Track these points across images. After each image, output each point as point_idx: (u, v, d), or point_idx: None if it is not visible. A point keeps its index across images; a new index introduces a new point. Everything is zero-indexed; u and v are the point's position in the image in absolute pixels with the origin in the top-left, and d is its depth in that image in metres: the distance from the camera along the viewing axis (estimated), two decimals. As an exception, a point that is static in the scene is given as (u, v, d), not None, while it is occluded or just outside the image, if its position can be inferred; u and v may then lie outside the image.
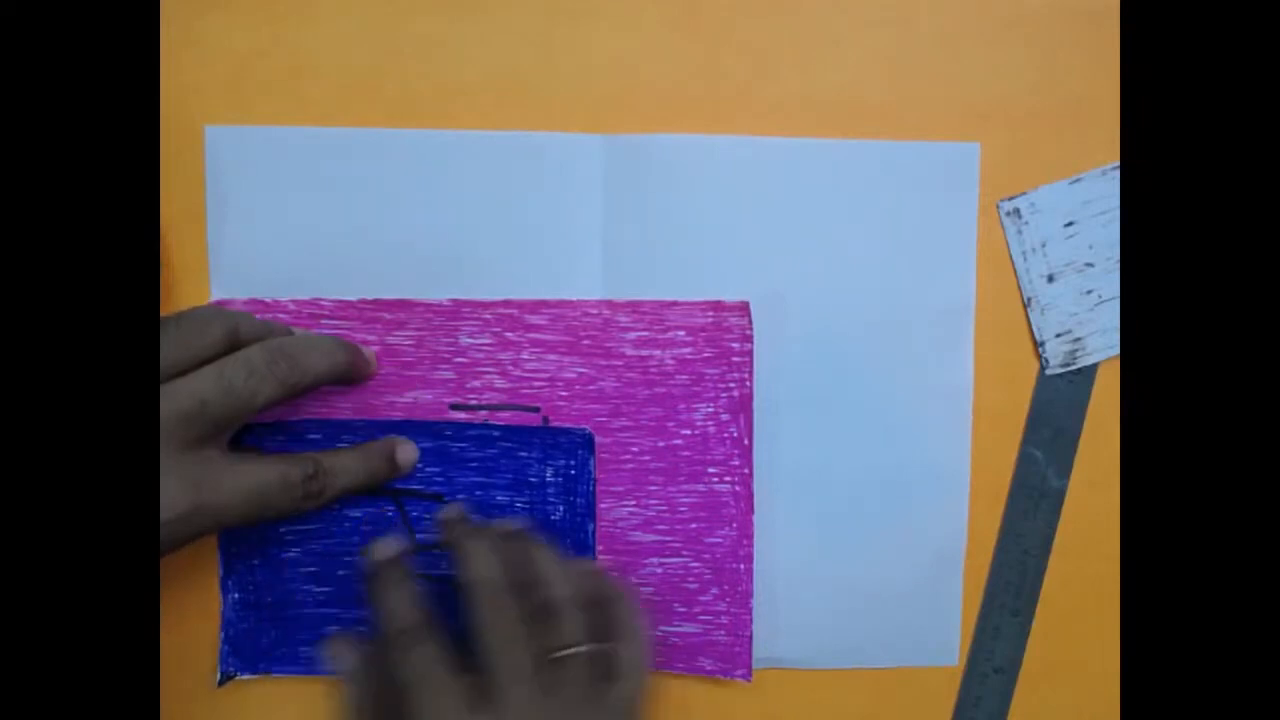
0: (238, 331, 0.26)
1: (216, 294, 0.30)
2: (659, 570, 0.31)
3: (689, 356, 0.30)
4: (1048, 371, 0.30)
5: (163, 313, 0.30)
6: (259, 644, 0.30)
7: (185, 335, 0.25)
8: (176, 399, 0.24)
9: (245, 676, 0.31)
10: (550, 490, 0.31)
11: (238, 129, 0.29)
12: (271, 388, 0.25)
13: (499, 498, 0.30)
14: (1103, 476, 0.31)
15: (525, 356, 0.30)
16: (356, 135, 0.30)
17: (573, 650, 0.26)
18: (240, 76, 0.29)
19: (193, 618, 0.30)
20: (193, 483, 0.24)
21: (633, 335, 0.30)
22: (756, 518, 0.31)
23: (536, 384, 0.30)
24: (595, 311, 0.30)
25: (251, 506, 0.25)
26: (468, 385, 0.30)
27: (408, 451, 0.30)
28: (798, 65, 0.30)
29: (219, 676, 0.30)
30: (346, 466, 0.28)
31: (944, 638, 0.32)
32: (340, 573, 0.30)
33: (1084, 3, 0.30)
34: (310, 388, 0.27)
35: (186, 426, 0.24)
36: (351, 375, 0.29)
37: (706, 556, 0.31)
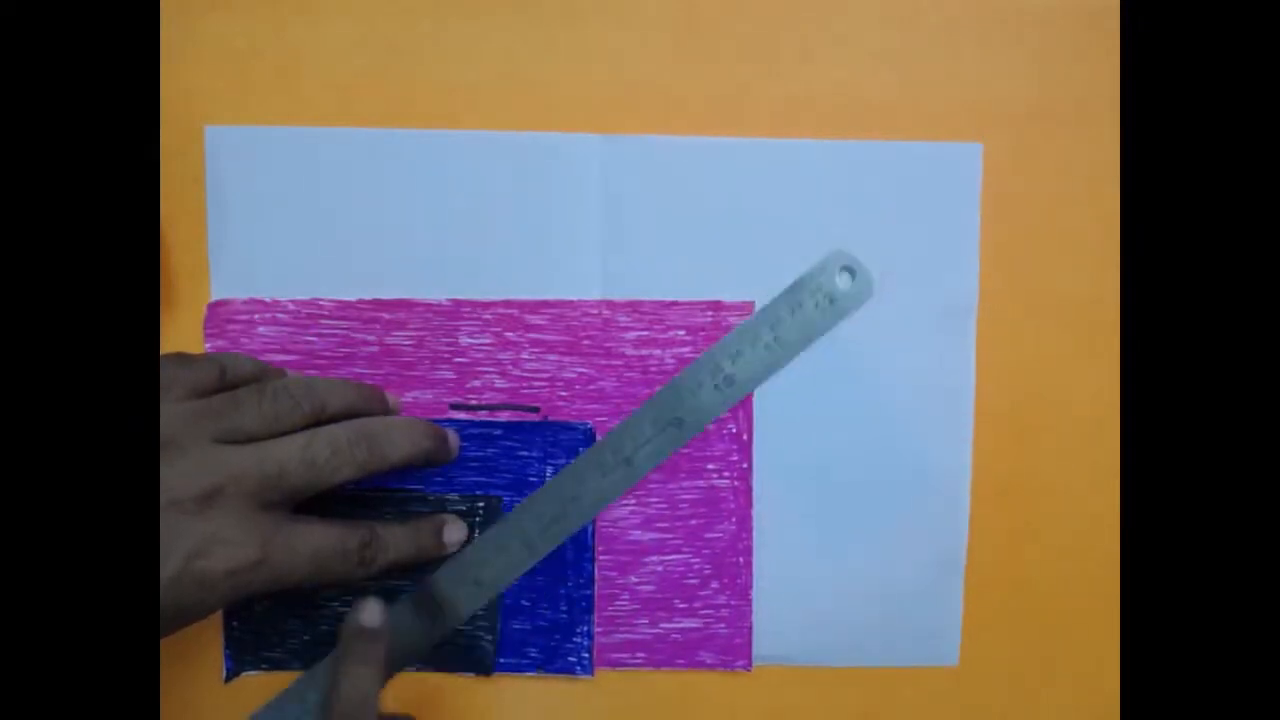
0: (225, 373, 0.26)
1: (217, 294, 0.30)
2: (659, 568, 0.31)
3: (689, 356, 0.30)
4: None
5: (162, 312, 0.30)
6: (261, 642, 0.31)
7: (195, 374, 0.26)
8: (262, 462, 0.25)
9: (251, 673, 0.31)
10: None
11: (238, 129, 0.29)
12: (350, 470, 0.26)
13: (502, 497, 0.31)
14: (1103, 477, 0.31)
15: (525, 356, 0.30)
16: (356, 135, 0.30)
17: None
18: (240, 76, 0.29)
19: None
20: (262, 539, 0.25)
21: (633, 335, 0.30)
22: (756, 517, 0.31)
23: (536, 384, 0.30)
24: (595, 311, 0.30)
25: (311, 569, 0.26)
26: (468, 385, 0.30)
27: (455, 531, 0.29)
28: (798, 65, 0.30)
29: (224, 673, 0.31)
30: (398, 541, 0.28)
31: (944, 638, 0.32)
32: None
33: (1084, 2, 0.30)
34: (386, 471, 0.27)
35: (264, 489, 0.25)
36: (433, 460, 0.29)
37: (706, 552, 0.31)
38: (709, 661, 0.31)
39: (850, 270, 0.30)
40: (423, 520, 0.29)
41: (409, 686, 0.31)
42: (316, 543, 0.26)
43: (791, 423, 0.31)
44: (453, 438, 0.30)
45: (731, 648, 0.31)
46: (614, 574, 0.31)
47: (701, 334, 0.30)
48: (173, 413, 0.24)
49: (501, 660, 0.31)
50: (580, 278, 0.30)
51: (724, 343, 0.30)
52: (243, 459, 0.24)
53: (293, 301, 0.30)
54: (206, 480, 0.24)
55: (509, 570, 0.30)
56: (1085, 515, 0.31)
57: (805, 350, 0.30)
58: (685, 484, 0.31)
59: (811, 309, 0.29)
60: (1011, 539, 0.31)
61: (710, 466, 0.31)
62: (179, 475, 0.24)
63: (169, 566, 0.23)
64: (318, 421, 0.27)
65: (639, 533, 0.31)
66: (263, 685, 0.31)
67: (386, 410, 0.29)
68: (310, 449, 0.25)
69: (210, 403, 0.25)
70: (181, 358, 0.26)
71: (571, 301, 0.30)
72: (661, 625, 0.31)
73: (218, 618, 0.31)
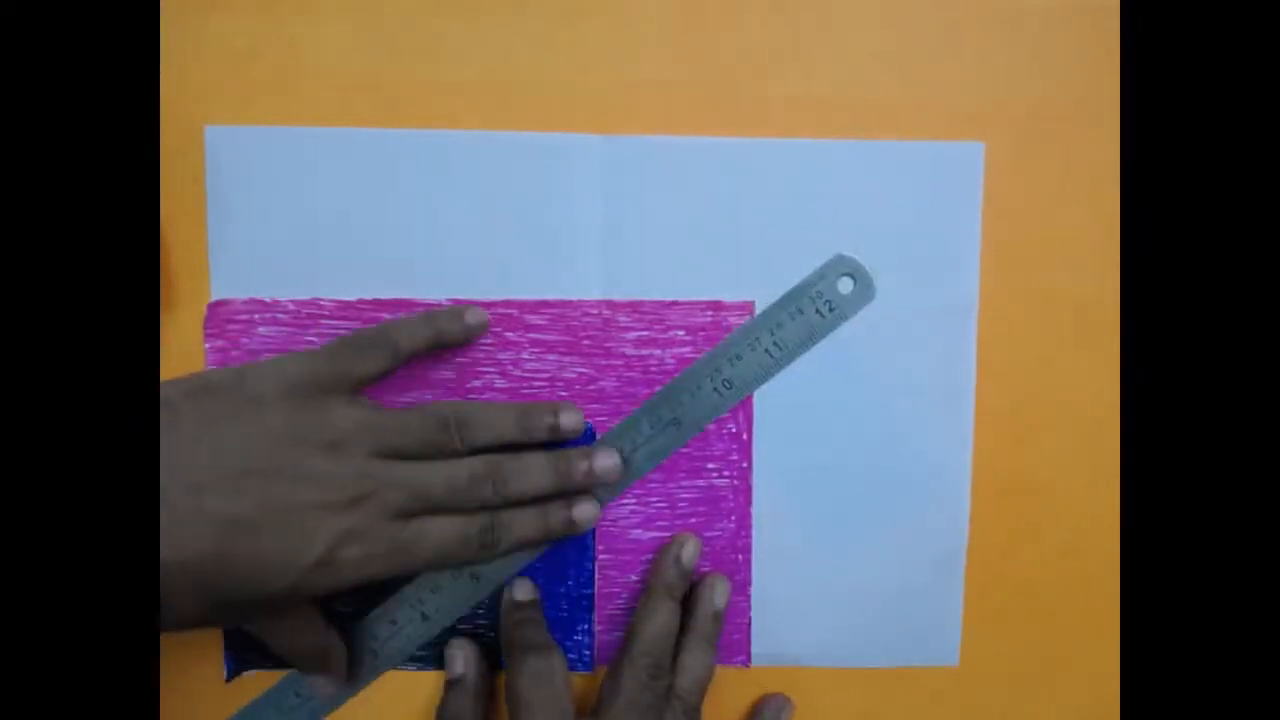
0: (397, 355, 0.28)
1: (217, 294, 0.30)
2: (659, 569, 0.31)
3: (689, 356, 0.30)
4: None
5: (162, 312, 0.30)
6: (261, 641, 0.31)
7: (366, 366, 0.27)
8: (412, 482, 0.27)
9: (252, 672, 0.31)
10: (550, 490, 0.31)
11: (238, 129, 0.29)
12: (479, 503, 0.28)
13: None
14: (1103, 476, 0.31)
15: (525, 356, 0.30)
16: (356, 135, 0.30)
17: None
18: (240, 76, 0.29)
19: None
20: (391, 539, 0.26)
21: (633, 335, 0.30)
22: (757, 517, 0.31)
23: (536, 384, 0.30)
24: (595, 311, 0.30)
25: (435, 559, 0.27)
26: (468, 385, 0.30)
27: (586, 509, 0.29)
28: (798, 65, 0.30)
29: (225, 673, 0.31)
30: (522, 521, 0.28)
31: (944, 638, 0.32)
32: None
33: (1084, 2, 0.30)
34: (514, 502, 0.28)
35: (408, 503, 0.27)
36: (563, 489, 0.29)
37: (706, 549, 0.31)
38: (709, 659, 0.31)
39: (852, 276, 0.30)
40: (552, 505, 0.29)
41: (410, 686, 0.31)
42: (439, 535, 0.27)
43: (791, 422, 0.31)
44: (601, 459, 0.29)
45: (731, 644, 0.31)
46: (614, 573, 0.31)
47: (701, 334, 0.30)
48: (346, 416, 0.26)
49: (504, 658, 0.31)
50: (580, 278, 0.30)
51: (723, 345, 0.30)
52: (397, 476, 0.26)
53: (293, 301, 0.30)
54: (360, 488, 0.26)
55: (506, 566, 0.30)
56: (1085, 515, 0.31)
57: (805, 352, 0.30)
58: (685, 483, 0.31)
59: (812, 314, 0.30)
60: (1011, 539, 0.31)
61: (710, 466, 0.31)
62: (340, 474, 0.26)
63: (311, 554, 0.25)
64: (470, 450, 0.28)
65: (639, 532, 0.31)
66: (263, 684, 0.31)
67: (553, 427, 0.29)
68: (454, 479, 0.27)
69: (382, 418, 0.27)
70: (357, 343, 0.27)
71: (571, 301, 0.30)
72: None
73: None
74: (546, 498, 0.29)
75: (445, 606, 0.30)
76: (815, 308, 0.30)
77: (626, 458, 0.30)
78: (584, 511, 0.29)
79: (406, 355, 0.28)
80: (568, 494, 0.29)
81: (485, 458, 0.28)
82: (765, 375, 0.30)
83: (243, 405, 0.25)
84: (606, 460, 0.29)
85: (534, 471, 0.28)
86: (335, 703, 0.30)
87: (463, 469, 0.27)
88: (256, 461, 0.25)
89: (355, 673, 0.30)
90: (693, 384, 0.30)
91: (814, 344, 0.30)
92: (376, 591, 0.30)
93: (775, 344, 0.29)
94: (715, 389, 0.30)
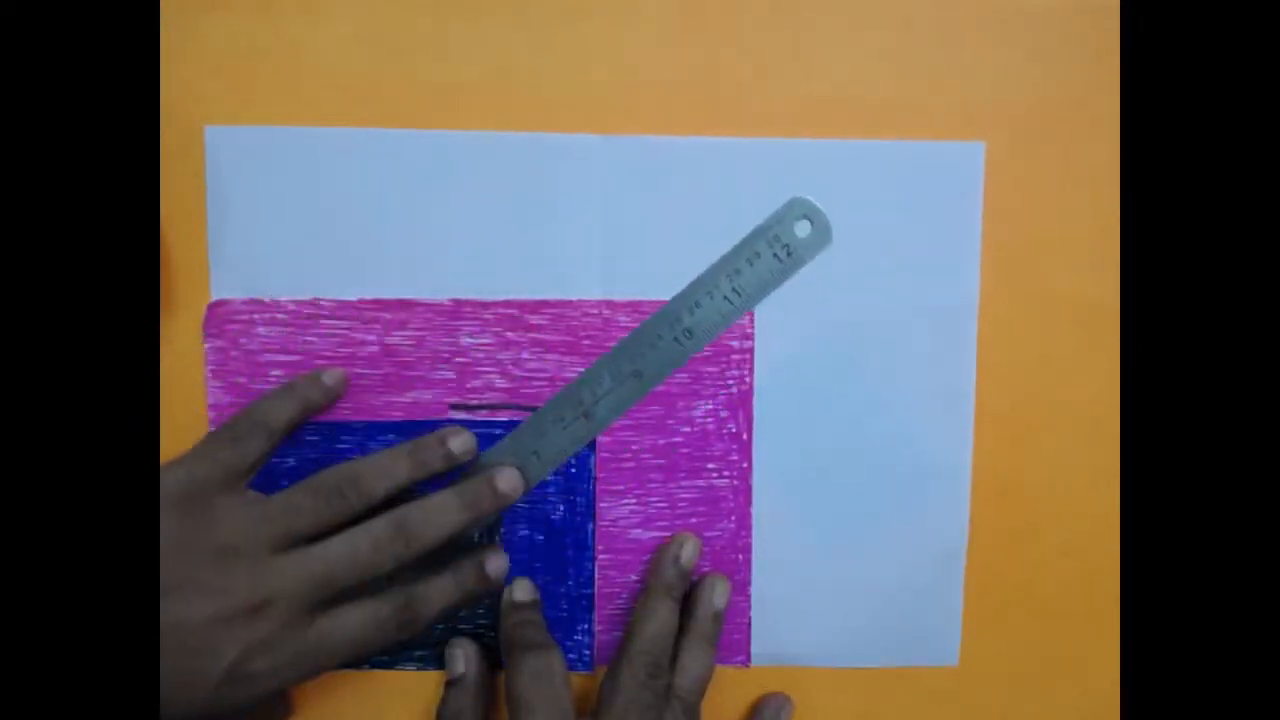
0: (271, 437, 0.28)
1: (217, 294, 0.30)
2: (659, 569, 0.31)
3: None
4: None
5: (162, 312, 0.30)
6: None
7: (240, 452, 0.27)
8: (312, 572, 0.26)
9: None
10: (550, 490, 0.31)
11: (238, 129, 0.29)
12: (391, 561, 0.27)
13: None
14: (1103, 477, 0.31)
15: (525, 356, 0.30)
16: (356, 135, 0.30)
17: None
18: (240, 76, 0.29)
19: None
20: (301, 640, 0.26)
21: (633, 335, 0.30)
22: (757, 516, 0.31)
23: (536, 384, 0.30)
24: (595, 311, 0.30)
25: (352, 651, 0.26)
26: (468, 385, 0.30)
27: (497, 562, 0.29)
28: (798, 65, 0.30)
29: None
30: (438, 590, 0.28)
31: (944, 638, 0.32)
32: None
33: (1084, 2, 0.30)
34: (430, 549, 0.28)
35: (314, 594, 0.26)
36: (480, 521, 0.29)
37: (705, 549, 0.31)
38: (709, 659, 0.31)
39: (809, 218, 0.30)
40: (462, 562, 0.29)
41: (409, 685, 0.31)
42: (353, 627, 0.26)
43: (791, 422, 0.31)
44: (504, 481, 0.29)
45: (731, 644, 0.31)
46: (614, 573, 0.31)
47: (701, 334, 0.30)
48: (234, 515, 0.26)
49: (504, 658, 0.31)
50: (580, 278, 0.30)
51: (682, 295, 0.30)
52: (295, 570, 0.26)
53: (293, 301, 0.30)
54: (260, 594, 0.25)
55: None
56: (1085, 515, 0.31)
57: (764, 301, 0.30)
58: (685, 483, 0.31)
59: (770, 259, 0.29)
60: (1011, 539, 0.31)
61: (710, 466, 0.31)
62: (235, 583, 0.25)
63: (216, 671, 0.24)
64: (369, 509, 0.27)
65: (639, 532, 0.31)
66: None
67: (447, 456, 0.29)
68: (356, 549, 0.26)
69: (270, 507, 0.26)
70: (230, 434, 0.27)
71: (571, 301, 0.30)
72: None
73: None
74: (456, 550, 0.28)
75: None
76: (773, 252, 0.29)
77: (588, 410, 0.30)
78: (495, 564, 0.29)
79: (280, 433, 0.28)
80: (478, 528, 0.29)
81: (386, 517, 0.27)
82: (724, 322, 0.30)
83: None
84: (508, 482, 0.29)
85: (441, 512, 0.28)
86: None
87: (363, 538, 0.26)
88: None
89: None
90: (653, 335, 0.30)
91: (772, 289, 0.30)
92: None
93: (734, 290, 0.29)
94: (676, 338, 0.30)
